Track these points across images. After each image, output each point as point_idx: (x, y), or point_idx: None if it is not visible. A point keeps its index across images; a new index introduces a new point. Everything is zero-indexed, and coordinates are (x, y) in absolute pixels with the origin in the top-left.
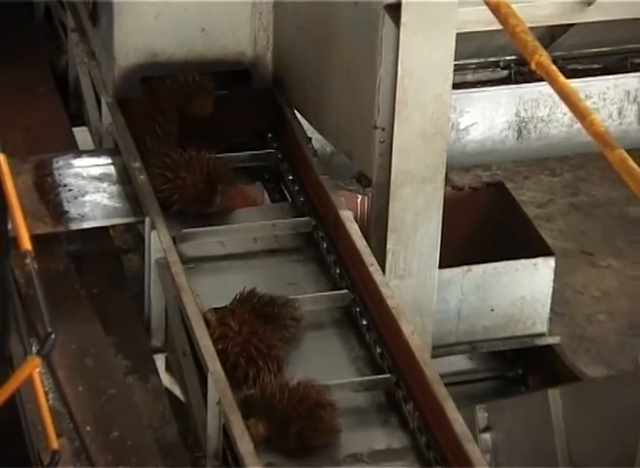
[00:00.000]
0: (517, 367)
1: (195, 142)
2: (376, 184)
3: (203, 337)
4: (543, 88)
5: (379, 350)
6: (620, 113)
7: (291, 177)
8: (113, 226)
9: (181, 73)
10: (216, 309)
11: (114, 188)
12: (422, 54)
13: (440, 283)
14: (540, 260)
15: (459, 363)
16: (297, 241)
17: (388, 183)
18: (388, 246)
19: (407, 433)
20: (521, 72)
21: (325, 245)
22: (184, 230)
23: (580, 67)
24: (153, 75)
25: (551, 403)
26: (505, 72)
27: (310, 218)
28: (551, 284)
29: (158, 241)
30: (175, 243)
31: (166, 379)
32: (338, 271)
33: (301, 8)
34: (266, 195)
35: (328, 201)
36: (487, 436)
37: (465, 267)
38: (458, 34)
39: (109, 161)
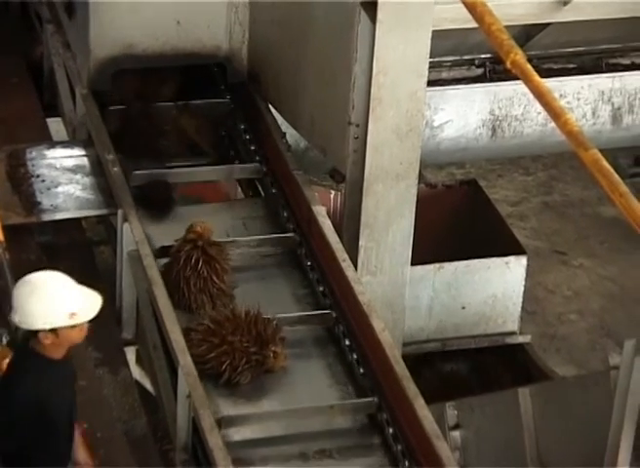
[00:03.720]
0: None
1: None
2: (349, 180)
3: (174, 331)
4: (518, 86)
5: (347, 342)
6: (594, 113)
7: (265, 172)
8: (86, 218)
9: (156, 65)
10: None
11: (87, 180)
12: (398, 51)
13: (412, 280)
14: (512, 259)
15: None
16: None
17: (362, 180)
18: (361, 242)
19: (376, 429)
20: (496, 70)
21: (297, 239)
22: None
23: (555, 67)
24: (128, 67)
25: (521, 401)
26: (480, 70)
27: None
28: (523, 282)
29: (130, 233)
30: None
31: (136, 372)
32: (309, 263)
33: (278, 3)
34: (239, 190)
35: (301, 196)
36: (456, 433)
37: (437, 265)
38: (433, 32)
39: (83, 152)
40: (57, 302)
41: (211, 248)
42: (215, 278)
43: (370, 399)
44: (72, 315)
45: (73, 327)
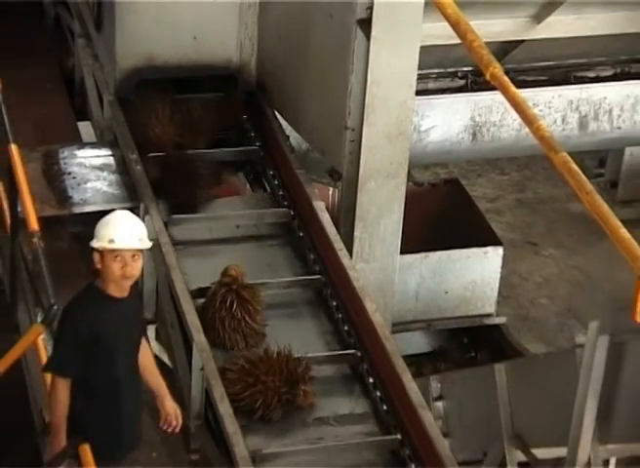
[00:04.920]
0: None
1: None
2: (345, 179)
3: (189, 312)
4: (496, 96)
5: (346, 327)
6: (563, 120)
7: (271, 171)
8: (112, 210)
9: (175, 75)
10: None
11: (113, 177)
12: (390, 64)
13: (401, 267)
14: (489, 249)
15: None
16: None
17: (357, 178)
18: (355, 233)
19: (369, 400)
20: (477, 82)
21: (300, 232)
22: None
23: (528, 79)
24: (150, 77)
25: (497, 376)
26: (463, 81)
27: (288, 209)
28: (499, 270)
29: (151, 224)
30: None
31: (156, 348)
32: (312, 257)
33: (282, 20)
34: (248, 186)
35: (303, 192)
36: (439, 404)
37: (423, 254)
38: (421, 47)
39: (109, 152)
40: (105, 228)
41: (244, 290)
42: (248, 318)
43: (370, 381)
44: (111, 241)
45: (115, 257)
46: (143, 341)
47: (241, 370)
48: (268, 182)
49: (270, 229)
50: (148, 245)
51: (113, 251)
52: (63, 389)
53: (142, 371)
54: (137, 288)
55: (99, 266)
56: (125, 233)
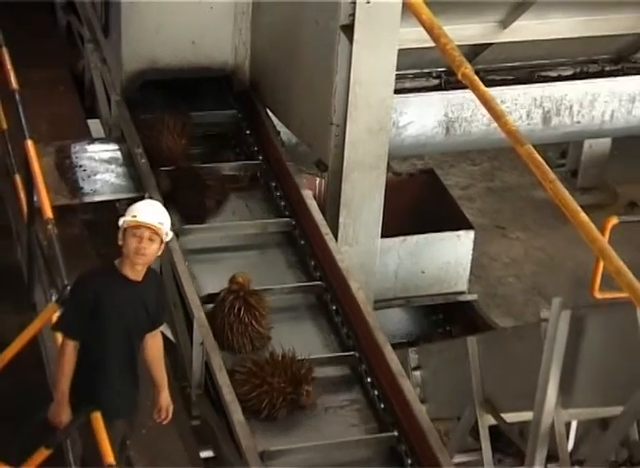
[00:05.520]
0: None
1: None
2: (331, 170)
3: (190, 292)
4: (467, 94)
5: (334, 307)
6: (528, 115)
7: (264, 163)
8: (119, 200)
9: (176, 77)
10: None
11: (120, 169)
12: (370, 65)
13: (381, 250)
14: (462, 233)
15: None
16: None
17: (341, 169)
18: (340, 219)
19: (352, 370)
20: (449, 81)
21: (292, 220)
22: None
23: (496, 78)
24: (153, 78)
25: (469, 347)
26: (437, 81)
27: (290, 219)
28: (471, 252)
29: None
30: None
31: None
32: (301, 241)
33: (273, 26)
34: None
35: (292, 182)
36: (417, 373)
37: (402, 237)
38: (399, 50)
39: (117, 147)
40: (133, 207)
41: (251, 297)
42: (254, 323)
43: (352, 353)
44: (133, 216)
45: (134, 233)
46: (156, 333)
47: (249, 373)
48: (264, 176)
49: (274, 238)
50: (168, 233)
51: (134, 227)
52: (70, 350)
53: (149, 362)
54: (156, 280)
55: (120, 243)
56: (148, 212)
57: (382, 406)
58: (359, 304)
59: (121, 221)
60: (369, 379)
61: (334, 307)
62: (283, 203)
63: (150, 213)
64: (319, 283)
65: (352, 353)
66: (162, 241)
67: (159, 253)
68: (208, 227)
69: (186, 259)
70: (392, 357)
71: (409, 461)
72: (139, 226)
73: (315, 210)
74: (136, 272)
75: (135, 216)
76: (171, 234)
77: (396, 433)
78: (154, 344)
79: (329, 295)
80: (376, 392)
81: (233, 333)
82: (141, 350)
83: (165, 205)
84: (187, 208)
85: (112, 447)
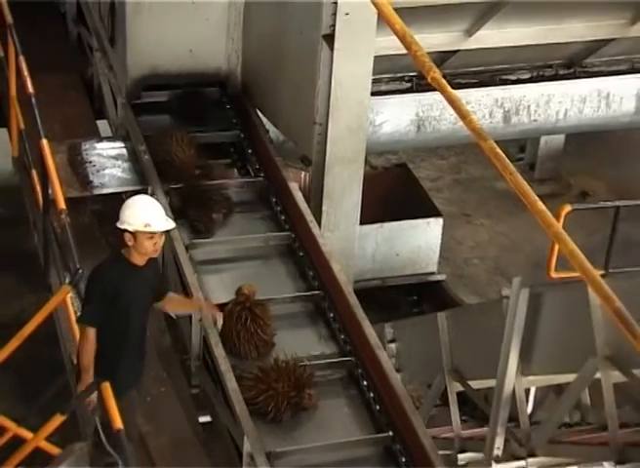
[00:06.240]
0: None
1: None
2: (314, 164)
3: (189, 274)
4: (436, 96)
5: (316, 283)
6: (490, 115)
7: (254, 158)
8: (125, 192)
9: (175, 82)
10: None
11: (126, 165)
12: (349, 70)
13: (360, 235)
14: (432, 220)
15: None
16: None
17: (324, 163)
18: (323, 208)
19: (335, 343)
20: (420, 84)
21: (278, 207)
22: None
23: (462, 81)
24: (154, 83)
25: (439, 322)
26: (409, 84)
27: (290, 233)
28: (440, 237)
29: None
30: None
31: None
32: (288, 228)
33: (262, 36)
34: (235, 171)
35: (280, 175)
36: (393, 345)
37: (378, 224)
38: (375, 56)
39: (122, 145)
40: (139, 212)
41: (257, 307)
42: (259, 331)
43: (333, 326)
44: (147, 225)
45: (149, 237)
46: (168, 297)
47: (255, 378)
48: (252, 168)
49: (275, 249)
50: (173, 224)
51: (149, 235)
52: (92, 336)
53: (174, 310)
54: (156, 260)
55: (130, 243)
56: (158, 218)
57: (361, 371)
58: (340, 284)
59: (129, 227)
60: (348, 348)
61: (316, 283)
62: (293, 236)
63: (160, 218)
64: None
65: (334, 326)
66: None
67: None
68: (214, 241)
69: (195, 270)
70: (370, 331)
71: (384, 420)
72: (153, 234)
73: (300, 200)
74: (144, 260)
75: (148, 225)
76: (173, 223)
77: (372, 394)
78: (171, 301)
79: (313, 277)
80: (355, 362)
81: (240, 341)
82: (162, 309)
83: (175, 220)
84: (197, 222)
85: (129, 413)
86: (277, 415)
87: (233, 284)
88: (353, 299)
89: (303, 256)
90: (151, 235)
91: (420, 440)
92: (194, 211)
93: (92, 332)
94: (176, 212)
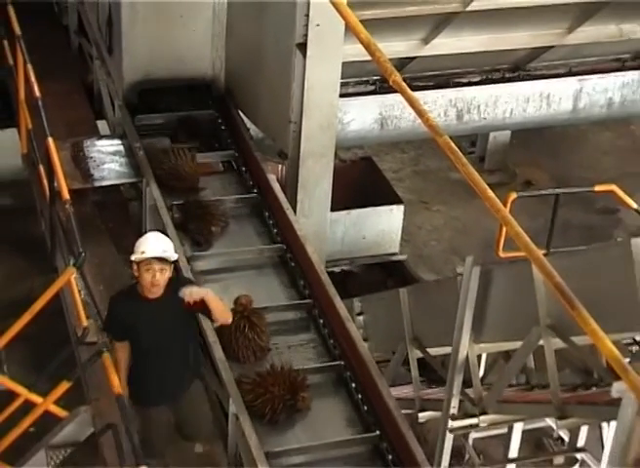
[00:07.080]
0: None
1: None
2: (290, 158)
3: (182, 260)
4: (397, 97)
5: (293, 264)
6: (445, 113)
7: (236, 154)
8: (122, 184)
9: (166, 86)
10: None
11: (123, 160)
12: (321, 75)
13: (331, 221)
14: (394, 207)
15: None
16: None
17: (298, 157)
18: (298, 197)
19: (309, 316)
20: (383, 87)
21: (259, 197)
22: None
23: (420, 84)
24: (148, 87)
25: (401, 297)
26: (373, 87)
27: (282, 245)
28: (401, 221)
29: (151, 193)
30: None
31: None
32: (267, 214)
33: (243, 44)
34: (220, 165)
35: (259, 168)
36: (361, 318)
37: (347, 211)
38: (343, 62)
39: (120, 142)
40: (141, 242)
41: (254, 316)
42: (256, 338)
43: (308, 301)
44: (142, 252)
45: (147, 269)
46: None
47: (253, 383)
48: (236, 163)
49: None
50: (174, 256)
51: (145, 262)
52: (120, 348)
53: (214, 316)
54: (173, 288)
55: (136, 274)
56: (152, 245)
57: (332, 341)
58: (313, 264)
59: (133, 257)
60: (321, 321)
61: (292, 264)
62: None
63: (154, 245)
64: (284, 248)
65: (308, 301)
66: (171, 264)
67: (169, 275)
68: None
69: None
70: (340, 305)
71: (353, 385)
72: (149, 261)
73: (278, 189)
74: (154, 295)
75: (143, 253)
76: (176, 255)
77: (343, 362)
78: (214, 312)
79: (290, 259)
80: (327, 332)
81: (239, 347)
82: (217, 321)
83: (177, 233)
84: (197, 235)
85: (153, 425)
86: (273, 417)
87: (232, 292)
88: (325, 278)
89: (281, 241)
90: (148, 267)
91: (393, 414)
92: (194, 224)
93: (119, 345)
94: (178, 226)
